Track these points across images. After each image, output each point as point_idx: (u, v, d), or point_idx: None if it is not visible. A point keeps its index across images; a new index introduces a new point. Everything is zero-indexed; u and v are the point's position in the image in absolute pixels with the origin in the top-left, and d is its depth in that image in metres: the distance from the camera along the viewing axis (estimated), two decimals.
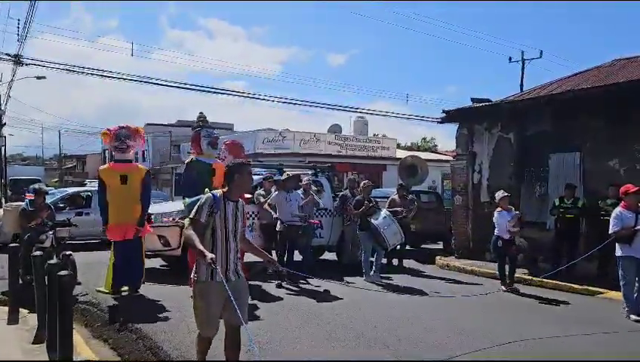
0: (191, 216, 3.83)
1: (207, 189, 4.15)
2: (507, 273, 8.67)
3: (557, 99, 10.19)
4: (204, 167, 7.35)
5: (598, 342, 5.71)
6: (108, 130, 7.43)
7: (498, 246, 8.67)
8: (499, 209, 8.69)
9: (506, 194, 8.76)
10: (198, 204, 3.85)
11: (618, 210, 6.88)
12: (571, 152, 10.15)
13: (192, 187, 7.03)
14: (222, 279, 3.65)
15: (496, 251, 8.79)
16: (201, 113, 7.94)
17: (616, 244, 6.83)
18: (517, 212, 8.85)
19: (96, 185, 7.49)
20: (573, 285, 8.53)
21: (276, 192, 8.88)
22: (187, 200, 4.93)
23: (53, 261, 4.74)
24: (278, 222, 8.65)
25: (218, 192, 3.88)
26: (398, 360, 4.91)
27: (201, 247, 3.61)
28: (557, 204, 9.60)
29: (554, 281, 8.73)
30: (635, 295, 6.68)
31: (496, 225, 8.63)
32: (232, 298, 3.56)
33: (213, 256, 3.58)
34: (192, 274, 3.84)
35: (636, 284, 6.67)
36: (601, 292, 8.22)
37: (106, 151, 50.24)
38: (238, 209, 3.89)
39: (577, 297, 8.16)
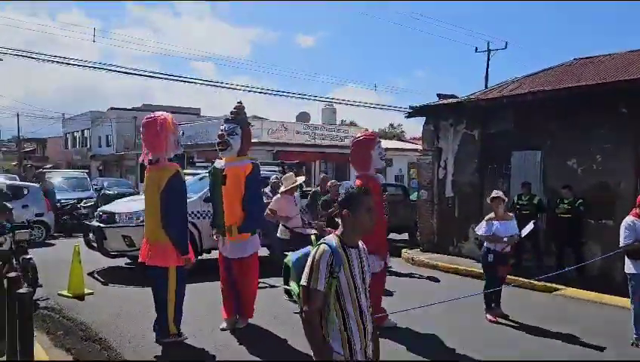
0: (304, 283, 2.62)
1: (323, 240, 2.71)
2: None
3: (517, 100, 10.44)
4: (216, 175, 6.13)
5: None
6: None
7: (490, 262, 6.75)
8: (490, 216, 6.76)
9: (499, 194, 6.78)
10: (309, 264, 2.64)
11: (630, 219, 5.75)
12: (532, 150, 10.45)
13: (213, 203, 6.35)
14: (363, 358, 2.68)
15: (488, 269, 6.81)
16: (239, 102, 6.27)
17: (627, 259, 5.79)
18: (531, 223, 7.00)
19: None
20: (532, 281, 8.79)
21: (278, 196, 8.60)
22: (291, 256, 3.41)
23: (13, 274, 4.62)
24: (287, 228, 8.31)
25: (333, 240, 2.68)
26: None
27: (327, 353, 2.57)
28: (515, 201, 9.89)
29: (515, 278, 8.98)
30: None
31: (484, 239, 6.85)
32: None
33: None
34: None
35: None
36: (558, 289, 8.54)
37: (68, 135, 48.06)
38: (361, 255, 2.76)
39: (536, 294, 8.40)
